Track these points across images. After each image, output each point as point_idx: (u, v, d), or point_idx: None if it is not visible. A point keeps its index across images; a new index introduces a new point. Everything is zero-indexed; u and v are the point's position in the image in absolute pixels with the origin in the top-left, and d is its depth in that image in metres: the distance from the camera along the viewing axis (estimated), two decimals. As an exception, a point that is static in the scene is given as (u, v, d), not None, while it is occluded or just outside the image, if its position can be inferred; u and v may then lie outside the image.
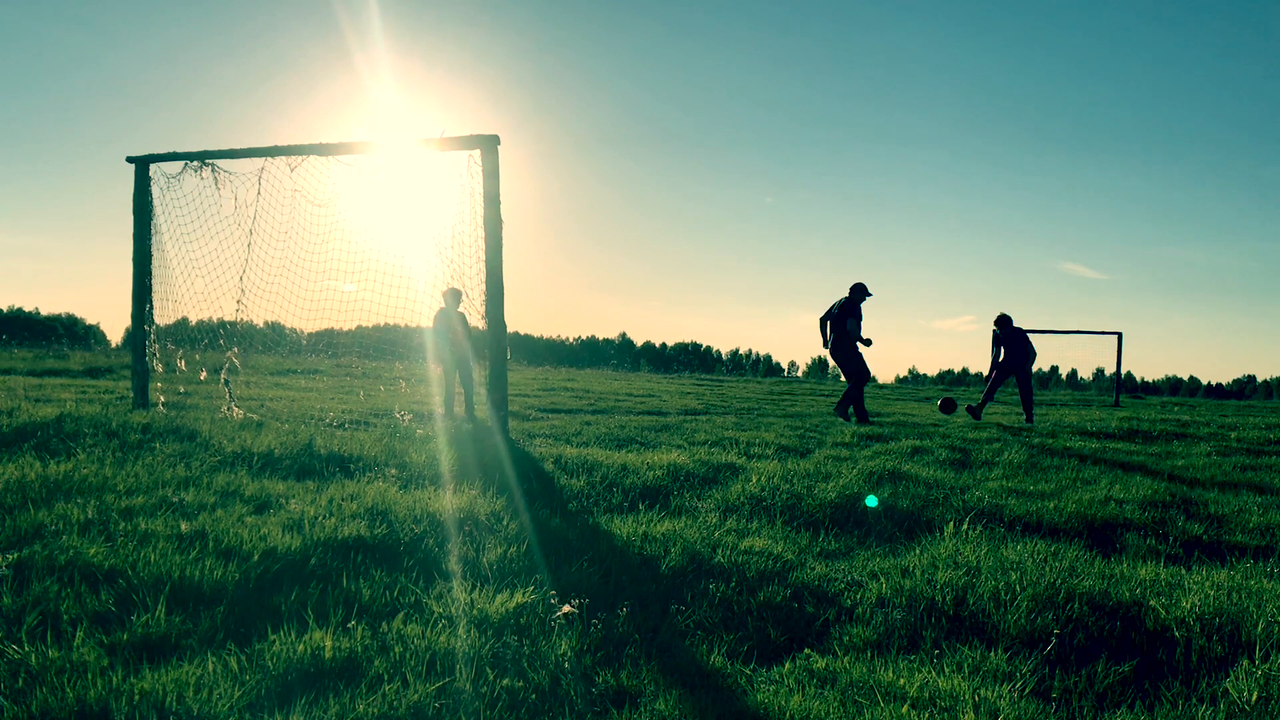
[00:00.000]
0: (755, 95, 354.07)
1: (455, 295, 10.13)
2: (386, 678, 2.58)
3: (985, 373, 13.49)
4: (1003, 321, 13.02)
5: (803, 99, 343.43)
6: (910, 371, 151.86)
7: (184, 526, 3.88)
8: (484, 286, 7.73)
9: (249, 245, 8.77)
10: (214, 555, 3.50)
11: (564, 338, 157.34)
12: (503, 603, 3.19)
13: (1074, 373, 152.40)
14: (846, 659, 2.94)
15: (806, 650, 3.04)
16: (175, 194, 9.16)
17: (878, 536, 4.72)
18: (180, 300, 9.32)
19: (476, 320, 8.04)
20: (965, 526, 4.76)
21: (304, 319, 8.86)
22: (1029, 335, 13.09)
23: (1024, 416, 13.09)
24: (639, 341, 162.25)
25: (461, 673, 2.65)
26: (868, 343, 11.58)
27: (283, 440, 6.34)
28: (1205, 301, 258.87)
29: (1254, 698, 2.68)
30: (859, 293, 11.55)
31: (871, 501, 5.26)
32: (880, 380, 63.65)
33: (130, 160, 9.21)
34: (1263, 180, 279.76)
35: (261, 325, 9.83)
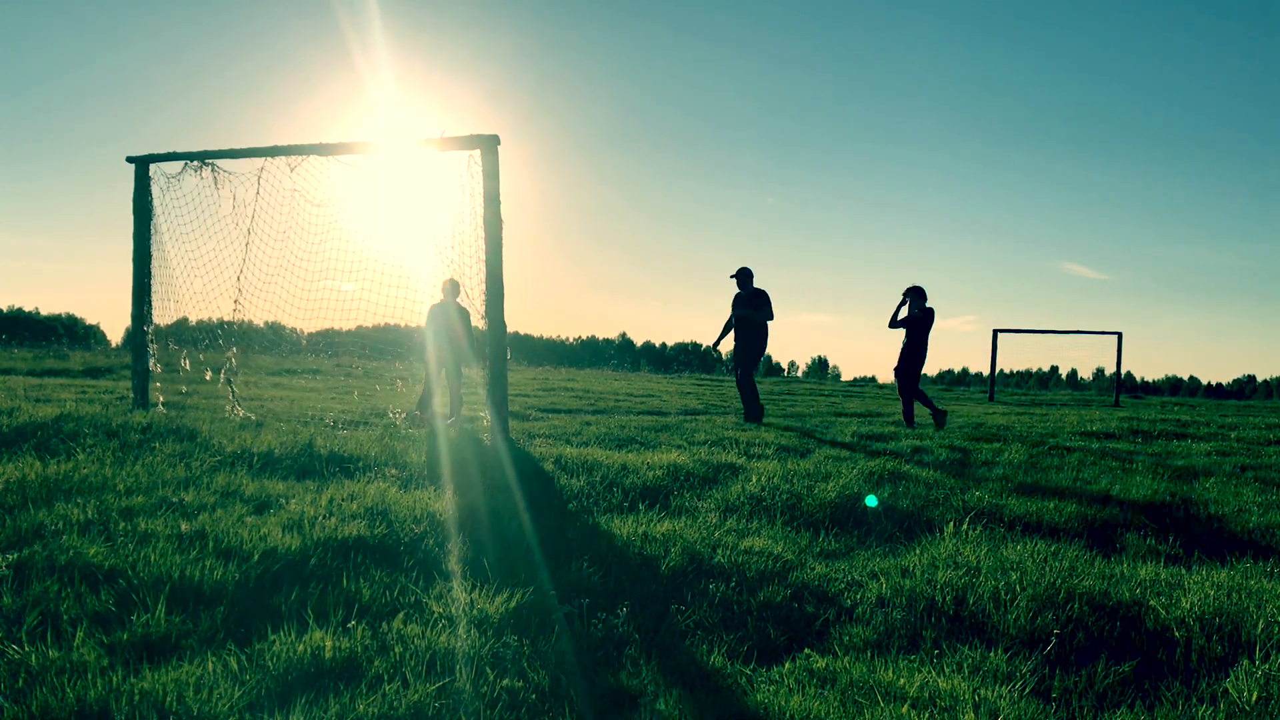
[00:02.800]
0: (756, 95, 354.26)
1: (454, 287, 9.58)
2: (386, 678, 2.58)
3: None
4: (920, 294, 10.92)
5: (803, 99, 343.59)
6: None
7: (184, 526, 3.88)
8: (484, 287, 7.74)
9: (246, 245, 8.78)
10: (214, 555, 3.50)
11: (564, 338, 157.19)
12: (503, 603, 3.19)
13: (1074, 373, 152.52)
14: (846, 659, 2.94)
15: (806, 650, 3.04)
16: (175, 194, 9.17)
17: (878, 536, 4.72)
18: (180, 300, 9.33)
19: (477, 319, 8.01)
20: (965, 526, 4.76)
21: (304, 319, 8.86)
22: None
23: (922, 417, 11.26)
24: (639, 341, 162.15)
25: (462, 673, 2.65)
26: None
27: (283, 440, 6.34)
28: (1205, 301, 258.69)
29: (1254, 698, 2.68)
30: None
31: (871, 501, 5.26)
32: (881, 380, 63.64)
33: (130, 160, 9.21)
34: (1263, 180, 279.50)
35: (261, 325, 9.84)
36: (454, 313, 9.81)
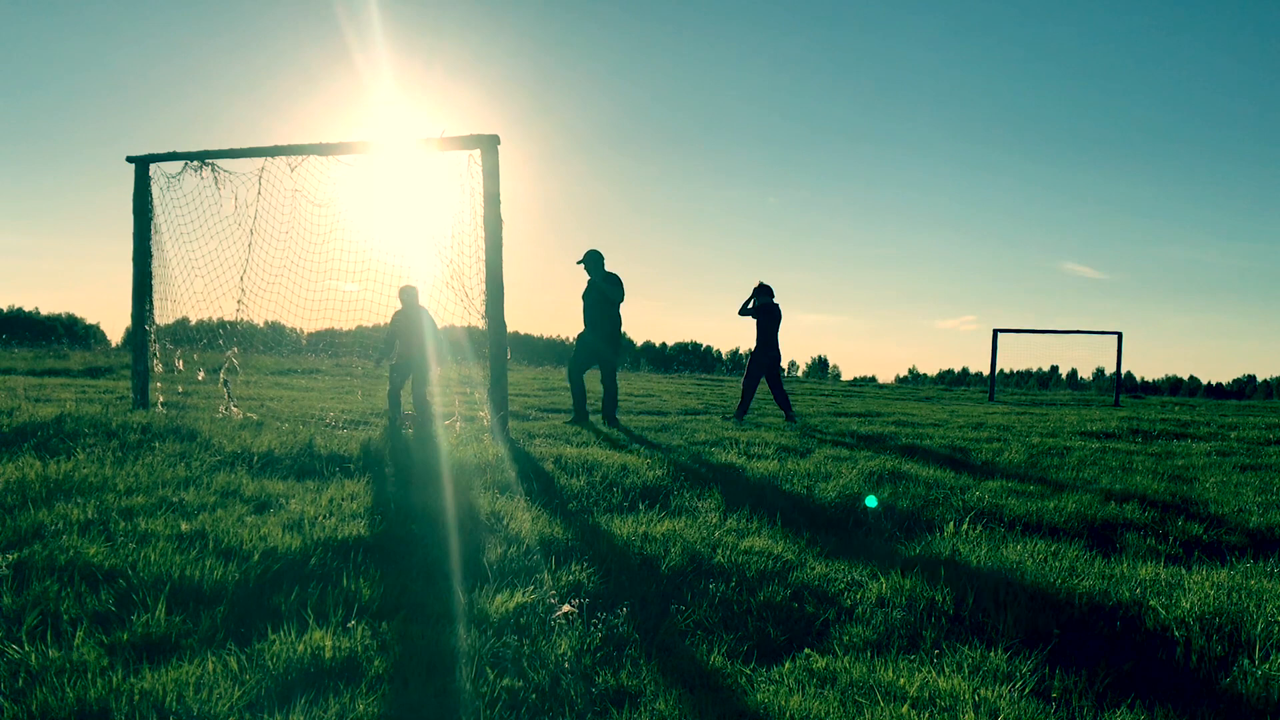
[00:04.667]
0: (756, 96, 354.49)
1: (412, 291, 9.05)
2: (386, 678, 2.58)
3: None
4: (767, 290, 11.02)
5: (803, 100, 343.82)
6: (910, 371, 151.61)
7: (184, 526, 3.88)
8: (484, 286, 7.74)
9: (249, 245, 8.78)
10: (214, 555, 3.50)
11: (564, 338, 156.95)
12: (503, 602, 3.19)
13: (1074, 373, 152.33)
14: (846, 659, 2.94)
15: (806, 650, 3.03)
16: (175, 194, 9.17)
17: (878, 536, 4.72)
18: (180, 300, 9.33)
19: (476, 319, 7.98)
20: (965, 526, 4.76)
21: (304, 319, 8.87)
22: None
23: (784, 415, 11.27)
24: (639, 341, 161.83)
25: (461, 673, 2.65)
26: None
27: (283, 440, 6.35)
28: (1205, 301, 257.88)
29: (1254, 698, 2.68)
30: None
31: (871, 502, 5.26)
32: (880, 380, 63.70)
33: (130, 160, 9.21)
34: (1263, 180, 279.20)
35: (262, 325, 9.83)
36: (413, 317, 9.17)
